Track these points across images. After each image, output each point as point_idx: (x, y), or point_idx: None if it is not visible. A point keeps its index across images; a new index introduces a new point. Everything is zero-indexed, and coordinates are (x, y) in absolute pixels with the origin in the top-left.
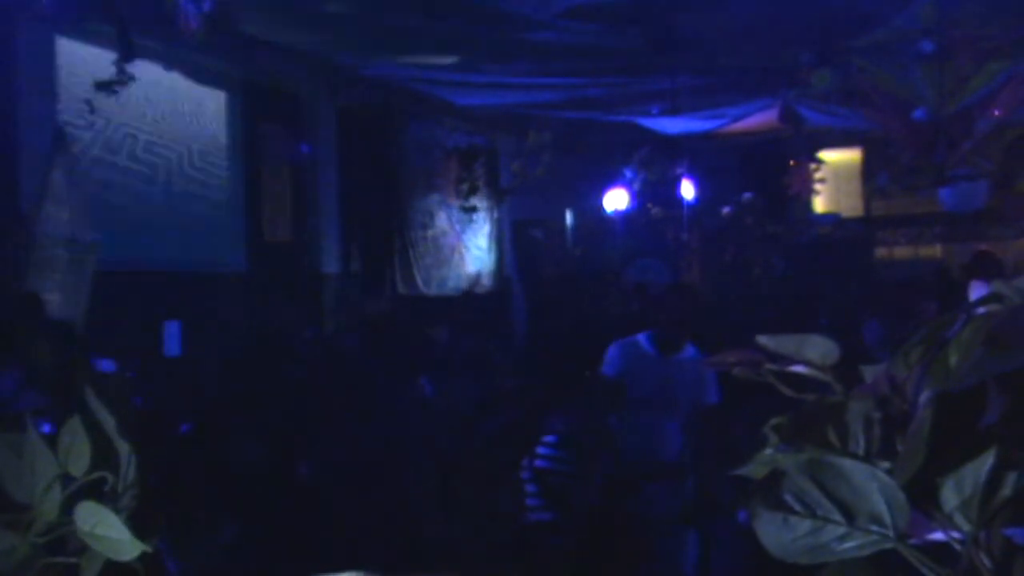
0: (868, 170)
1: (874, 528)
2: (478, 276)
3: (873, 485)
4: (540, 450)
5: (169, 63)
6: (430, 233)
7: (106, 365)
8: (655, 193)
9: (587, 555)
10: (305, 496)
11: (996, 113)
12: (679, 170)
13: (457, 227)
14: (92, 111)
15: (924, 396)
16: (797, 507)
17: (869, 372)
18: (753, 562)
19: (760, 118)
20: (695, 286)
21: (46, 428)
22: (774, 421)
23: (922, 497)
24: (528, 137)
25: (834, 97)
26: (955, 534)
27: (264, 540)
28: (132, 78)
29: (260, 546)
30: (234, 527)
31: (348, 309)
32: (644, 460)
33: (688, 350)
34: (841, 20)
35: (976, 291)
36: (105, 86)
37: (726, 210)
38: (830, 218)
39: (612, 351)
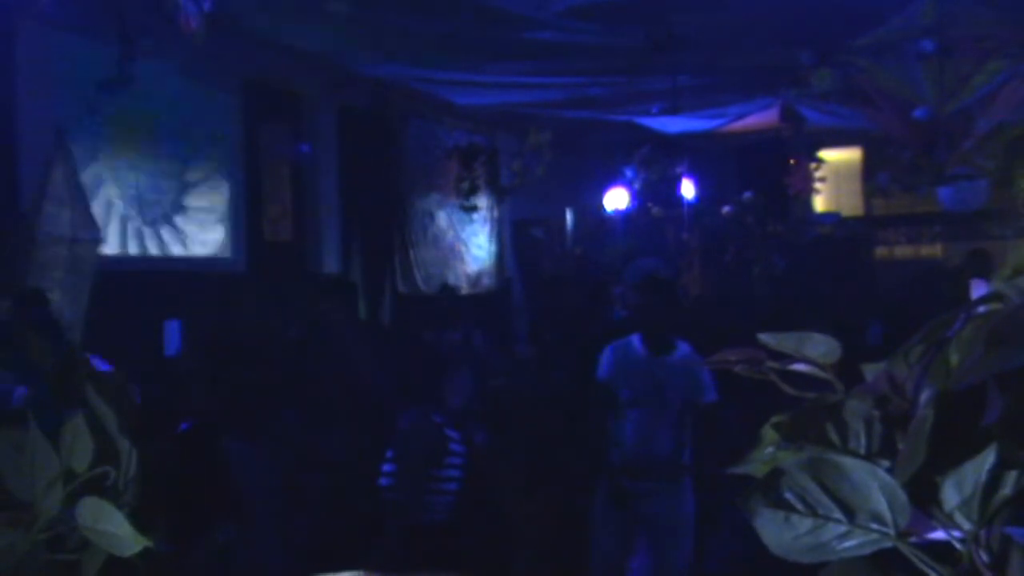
0: (868, 169)
1: (875, 527)
2: (478, 275)
3: (874, 484)
4: (384, 467)
5: (169, 63)
6: (430, 233)
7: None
8: (655, 192)
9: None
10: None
11: (996, 113)
12: (679, 169)
13: (457, 227)
14: (92, 111)
15: (925, 395)
16: (798, 505)
17: (869, 371)
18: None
19: (760, 117)
20: (675, 283)
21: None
22: (775, 419)
23: (923, 496)
24: (528, 137)
25: (834, 97)
26: (955, 533)
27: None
28: (132, 77)
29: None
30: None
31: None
32: (637, 458)
33: (681, 349)
34: (841, 20)
35: (977, 290)
36: (105, 86)
37: (726, 209)
38: (830, 217)
39: (606, 353)
